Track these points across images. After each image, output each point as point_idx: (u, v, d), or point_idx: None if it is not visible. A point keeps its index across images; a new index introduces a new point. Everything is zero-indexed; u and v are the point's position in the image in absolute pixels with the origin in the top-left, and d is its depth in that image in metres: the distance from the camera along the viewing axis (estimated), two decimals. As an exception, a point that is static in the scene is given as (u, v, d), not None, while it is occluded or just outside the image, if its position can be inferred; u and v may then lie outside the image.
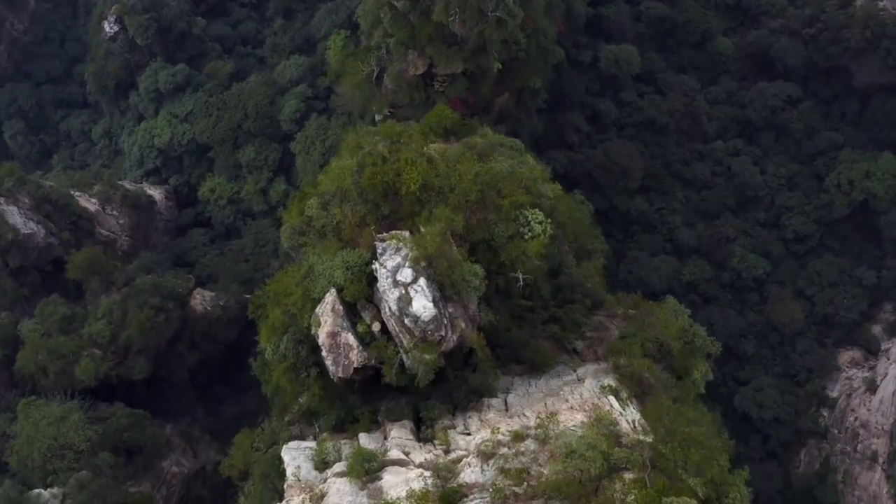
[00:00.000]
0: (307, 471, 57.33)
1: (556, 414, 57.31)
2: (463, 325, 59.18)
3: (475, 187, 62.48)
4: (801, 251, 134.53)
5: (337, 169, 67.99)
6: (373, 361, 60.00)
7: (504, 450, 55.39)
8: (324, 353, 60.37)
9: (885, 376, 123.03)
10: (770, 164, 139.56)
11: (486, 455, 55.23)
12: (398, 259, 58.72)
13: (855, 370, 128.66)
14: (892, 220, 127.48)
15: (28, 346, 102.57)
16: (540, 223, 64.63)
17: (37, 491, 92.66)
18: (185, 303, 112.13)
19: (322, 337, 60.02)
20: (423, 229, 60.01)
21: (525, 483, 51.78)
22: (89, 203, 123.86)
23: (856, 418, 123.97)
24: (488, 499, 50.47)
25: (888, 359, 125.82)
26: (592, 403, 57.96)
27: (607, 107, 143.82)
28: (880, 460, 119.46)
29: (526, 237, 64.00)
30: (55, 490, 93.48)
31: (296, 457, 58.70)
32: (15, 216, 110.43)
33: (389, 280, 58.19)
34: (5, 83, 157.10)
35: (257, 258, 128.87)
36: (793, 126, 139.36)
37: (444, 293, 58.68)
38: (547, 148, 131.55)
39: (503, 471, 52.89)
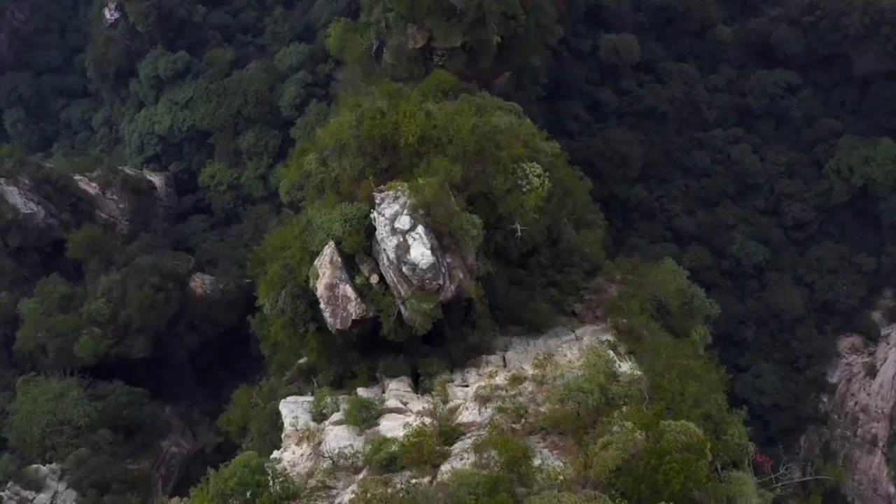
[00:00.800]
0: (305, 422, 57.30)
1: (552, 355, 57.38)
2: (461, 275, 59.21)
3: (473, 138, 62.50)
4: (800, 238, 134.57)
5: (335, 124, 68.18)
6: (371, 314, 60.00)
7: (501, 392, 55.45)
8: (322, 306, 60.39)
9: (885, 360, 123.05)
10: (769, 152, 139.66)
11: (483, 398, 55.25)
12: (396, 207, 58.80)
13: (855, 356, 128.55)
14: (891, 206, 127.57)
15: (27, 324, 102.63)
16: (538, 176, 64.65)
17: (35, 466, 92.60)
18: (184, 284, 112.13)
19: (320, 289, 60.04)
20: (421, 181, 60.01)
21: (523, 420, 51.82)
22: (89, 187, 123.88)
23: (856, 403, 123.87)
24: (486, 435, 50.43)
25: (888, 343, 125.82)
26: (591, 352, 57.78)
27: (607, 95, 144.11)
28: (880, 444, 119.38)
29: (524, 189, 63.99)
30: (54, 466, 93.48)
31: (294, 409, 58.66)
32: (15, 196, 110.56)
33: (387, 228, 58.25)
34: (6, 72, 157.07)
35: (257, 244, 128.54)
36: (792, 114, 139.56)
37: (442, 243, 58.73)
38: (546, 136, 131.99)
39: (501, 410, 52.93)
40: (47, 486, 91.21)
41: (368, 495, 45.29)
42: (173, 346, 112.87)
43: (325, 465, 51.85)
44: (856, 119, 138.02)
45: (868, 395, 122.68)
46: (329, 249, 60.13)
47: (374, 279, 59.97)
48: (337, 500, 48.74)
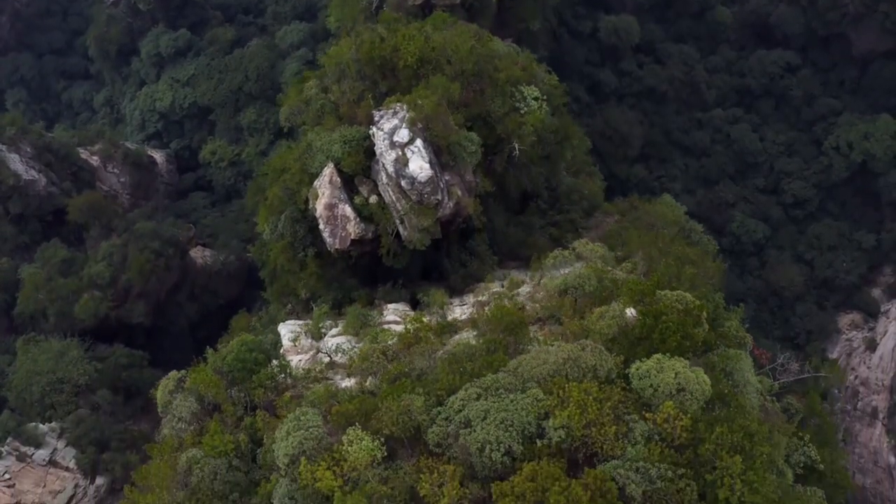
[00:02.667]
0: (303, 339, 57.39)
1: (548, 253, 57.81)
2: (459, 192, 59.44)
3: (471, 59, 62.90)
4: (800, 216, 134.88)
5: (335, 50, 68.65)
6: (370, 235, 60.18)
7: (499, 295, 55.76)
8: (321, 226, 60.59)
9: (885, 334, 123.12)
10: (769, 131, 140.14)
11: (482, 303, 55.50)
12: (395, 121, 59.01)
13: (855, 332, 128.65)
14: (891, 182, 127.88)
15: (27, 286, 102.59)
16: (536, 99, 64.97)
17: (34, 424, 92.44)
18: (184, 252, 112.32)
19: (320, 209, 60.25)
20: (419, 99, 60.28)
21: (520, 312, 52.01)
22: (90, 160, 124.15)
23: (856, 377, 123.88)
24: (483, 329, 50.64)
25: (888, 318, 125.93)
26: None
27: (607, 76, 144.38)
28: (880, 416, 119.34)
29: (522, 112, 64.23)
30: (53, 424, 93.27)
31: (293, 329, 58.80)
32: (16, 163, 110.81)
33: (386, 142, 58.45)
34: (7, 53, 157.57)
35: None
36: (792, 93, 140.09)
37: (440, 160, 58.95)
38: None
39: (499, 307, 53.07)
40: (46, 443, 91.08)
41: (368, 360, 45.72)
42: (173, 314, 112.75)
43: (324, 361, 52.02)
44: (855, 98, 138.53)
45: (868, 368, 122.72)
46: (328, 170, 60.36)
47: (374, 200, 60.18)
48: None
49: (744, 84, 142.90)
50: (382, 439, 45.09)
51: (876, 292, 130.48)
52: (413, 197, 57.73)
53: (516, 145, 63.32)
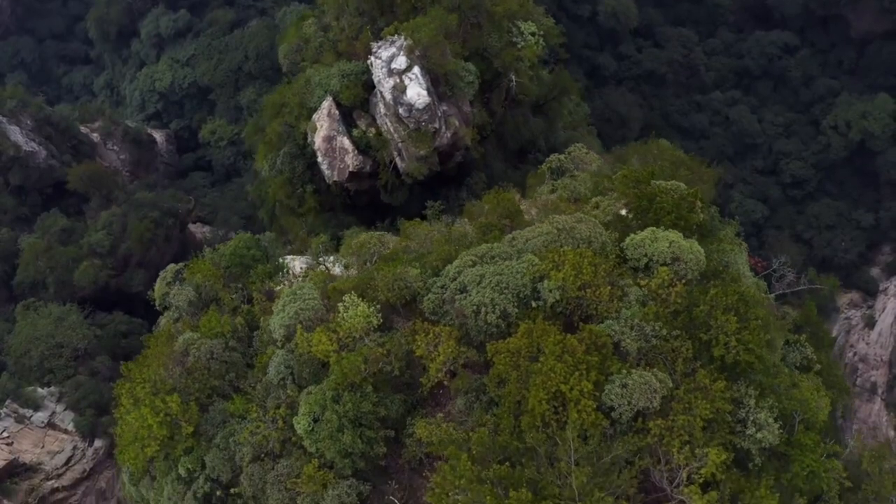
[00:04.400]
0: (300, 262, 57.52)
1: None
2: (457, 123, 59.70)
3: (469, -11, 63.13)
4: (798, 196, 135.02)
5: (334, -9, 68.86)
6: (368, 167, 60.40)
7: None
8: (319, 159, 60.87)
9: (883, 310, 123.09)
10: (767, 113, 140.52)
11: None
12: (393, 50, 59.28)
13: (854, 311, 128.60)
14: (889, 160, 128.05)
15: (27, 254, 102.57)
16: (533, 34, 65.20)
17: (33, 387, 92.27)
18: (184, 224, 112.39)
19: (318, 141, 60.53)
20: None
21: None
22: (91, 136, 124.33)
23: (854, 353, 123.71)
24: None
25: (886, 295, 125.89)
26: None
27: (606, 60, 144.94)
28: (879, 391, 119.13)
29: (519, 46, 64.46)
30: (52, 388, 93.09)
31: (292, 259, 58.89)
32: (17, 135, 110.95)
33: (384, 70, 58.70)
34: (8, 37, 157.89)
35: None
36: (790, 74, 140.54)
37: (437, 90, 59.17)
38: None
39: (496, 196, 53.33)
40: (45, 406, 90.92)
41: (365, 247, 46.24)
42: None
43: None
44: (853, 79, 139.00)
45: (867, 344, 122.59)
46: (327, 103, 60.65)
47: (372, 132, 60.42)
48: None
49: (742, 66, 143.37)
50: (378, 307, 45.44)
51: (875, 271, 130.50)
52: (410, 125, 57.98)
53: (513, 77, 63.47)
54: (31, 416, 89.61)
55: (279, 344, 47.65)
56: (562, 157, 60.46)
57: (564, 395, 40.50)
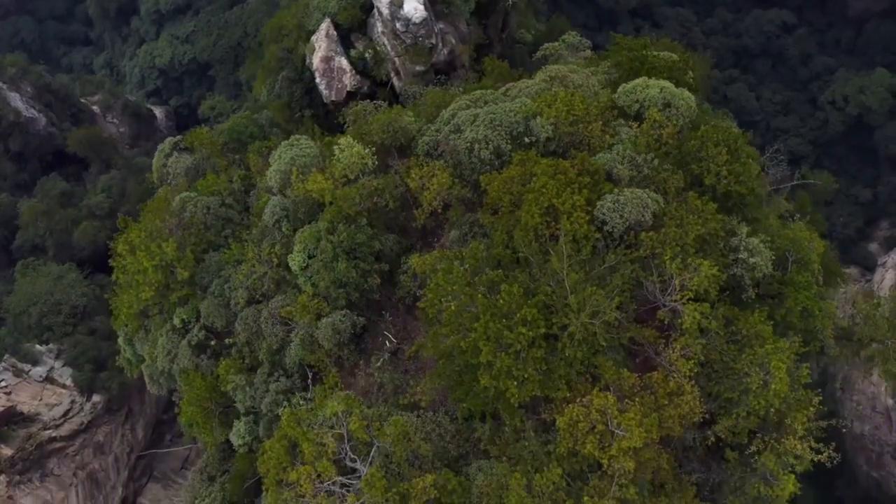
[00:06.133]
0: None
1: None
2: (453, 41, 59.97)
3: None
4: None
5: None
6: (365, 87, 60.61)
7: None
8: (317, 80, 61.18)
9: (882, 281, 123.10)
10: (766, 91, 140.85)
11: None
12: (391, -37, 59.62)
13: (852, 285, 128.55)
14: (886, 135, 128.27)
15: (26, 216, 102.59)
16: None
17: (31, 344, 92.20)
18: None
19: (316, 62, 60.88)
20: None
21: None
22: (91, 108, 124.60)
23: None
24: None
25: (885, 268, 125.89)
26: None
27: (605, 40, 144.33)
28: (877, 359, 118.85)
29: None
30: (50, 345, 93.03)
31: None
32: (17, 101, 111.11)
33: (382, -16, 59.05)
34: (8, 17, 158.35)
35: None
36: (788, 52, 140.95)
37: (434, 7, 59.45)
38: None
39: (490, 62, 53.82)
40: (43, 361, 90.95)
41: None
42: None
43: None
44: (851, 57, 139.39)
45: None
46: (325, 24, 61.02)
47: (369, 54, 60.75)
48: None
49: (740, 44, 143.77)
50: (373, 150, 45.84)
51: (873, 246, 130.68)
52: (407, 40, 58.35)
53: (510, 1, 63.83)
54: (30, 370, 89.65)
55: (275, 191, 47.99)
56: (556, 44, 61.02)
57: (557, 210, 41.04)
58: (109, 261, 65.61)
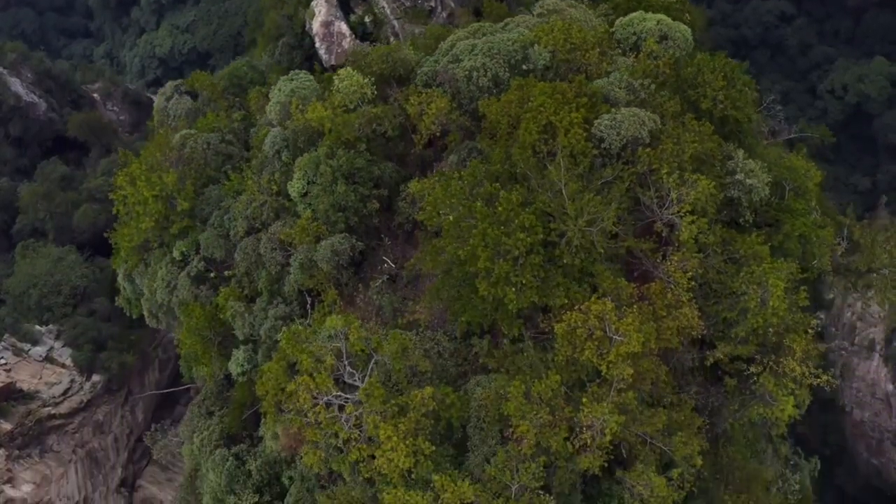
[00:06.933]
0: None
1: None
2: (452, 4, 60.15)
3: None
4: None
5: None
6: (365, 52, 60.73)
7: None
8: (317, 44, 61.50)
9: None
10: (765, 81, 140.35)
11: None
12: (391, -72, 59.97)
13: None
14: (885, 123, 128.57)
15: (26, 199, 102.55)
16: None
17: (31, 324, 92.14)
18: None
19: (316, 27, 61.14)
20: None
21: None
22: (91, 95, 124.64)
23: (852, 313, 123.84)
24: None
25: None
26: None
27: None
28: (878, 347, 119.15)
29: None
30: (50, 326, 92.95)
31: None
32: (17, 86, 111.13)
33: (382, -52, 59.30)
34: (8, 9, 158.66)
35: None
36: (787, 42, 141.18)
37: (434, -30, 59.85)
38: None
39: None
40: (43, 342, 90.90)
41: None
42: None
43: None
44: (850, 48, 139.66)
45: (865, 303, 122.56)
46: (325, -12, 61.29)
47: (369, 18, 60.98)
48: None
49: (739, 35, 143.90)
50: (373, 80, 46.12)
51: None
52: (406, 3, 58.62)
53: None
54: (29, 349, 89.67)
55: (275, 123, 48.22)
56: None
57: (555, 127, 41.35)
58: (108, 236, 65.91)
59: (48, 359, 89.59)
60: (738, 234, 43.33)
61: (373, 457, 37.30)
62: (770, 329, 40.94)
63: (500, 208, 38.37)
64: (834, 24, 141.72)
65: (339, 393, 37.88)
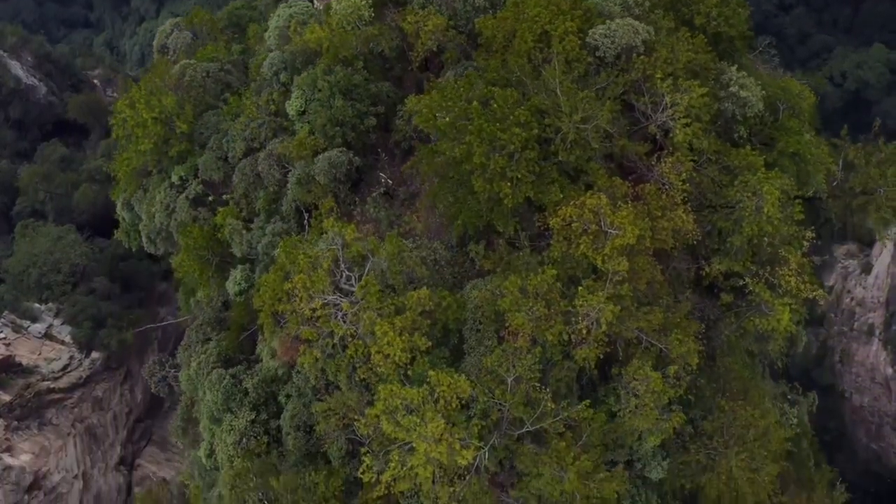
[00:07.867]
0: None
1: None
2: None
3: None
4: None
5: None
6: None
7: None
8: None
9: (880, 254, 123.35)
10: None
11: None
12: None
13: (850, 260, 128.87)
14: (884, 110, 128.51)
15: (25, 180, 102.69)
16: None
17: (30, 302, 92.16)
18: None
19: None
20: None
21: None
22: (91, 81, 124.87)
23: (852, 298, 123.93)
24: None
25: (882, 243, 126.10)
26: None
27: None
28: (877, 332, 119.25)
29: None
30: (49, 305, 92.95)
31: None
32: (17, 69, 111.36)
33: None
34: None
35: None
36: (786, 31, 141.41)
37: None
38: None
39: None
40: (42, 319, 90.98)
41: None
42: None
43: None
44: (848, 36, 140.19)
45: (864, 288, 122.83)
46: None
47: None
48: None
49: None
50: (370, 1, 46.48)
51: (871, 222, 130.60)
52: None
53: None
54: (29, 326, 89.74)
55: (273, 48, 48.42)
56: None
57: (549, 36, 41.71)
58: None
59: (47, 336, 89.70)
60: (733, 147, 43.58)
61: (368, 357, 37.31)
62: (765, 239, 41.14)
63: (495, 105, 38.81)
64: (833, 13, 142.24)
65: (335, 295, 37.98)
